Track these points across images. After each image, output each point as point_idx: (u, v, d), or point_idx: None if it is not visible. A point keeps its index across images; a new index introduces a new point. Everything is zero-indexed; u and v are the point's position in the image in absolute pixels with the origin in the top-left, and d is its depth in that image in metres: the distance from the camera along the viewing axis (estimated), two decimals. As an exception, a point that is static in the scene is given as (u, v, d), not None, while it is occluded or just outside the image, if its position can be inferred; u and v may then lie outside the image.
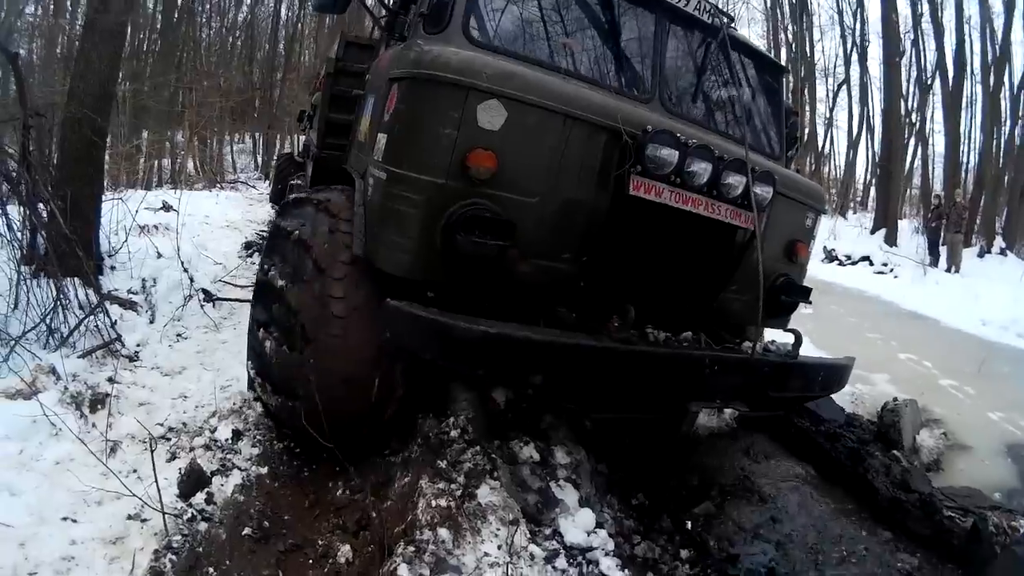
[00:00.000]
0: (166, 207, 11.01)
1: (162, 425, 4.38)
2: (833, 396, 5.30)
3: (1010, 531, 3.80)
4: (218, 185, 22.06)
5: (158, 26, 26.43)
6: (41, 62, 22.20)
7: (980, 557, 3.79)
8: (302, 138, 14.43)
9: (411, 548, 3.00)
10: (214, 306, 7.09)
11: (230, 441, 4.14)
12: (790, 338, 4.44)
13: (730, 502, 4.12)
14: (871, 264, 20.31)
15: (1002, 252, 21.47)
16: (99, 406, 4.36)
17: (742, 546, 3.80)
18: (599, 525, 3.71)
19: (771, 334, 5.17)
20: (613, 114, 3.61)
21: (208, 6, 31.19)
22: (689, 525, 4.03)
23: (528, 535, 3.32)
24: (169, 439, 4.23)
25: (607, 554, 3.53)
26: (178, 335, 6.20)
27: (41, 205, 5.64)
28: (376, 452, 4.17)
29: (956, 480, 5.28)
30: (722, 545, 3.83)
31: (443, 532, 3.09)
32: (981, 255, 20.78)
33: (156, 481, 3.33)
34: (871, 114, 32.99)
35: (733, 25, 4.68)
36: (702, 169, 3.59)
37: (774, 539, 3.81)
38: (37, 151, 5.67)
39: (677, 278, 4.11)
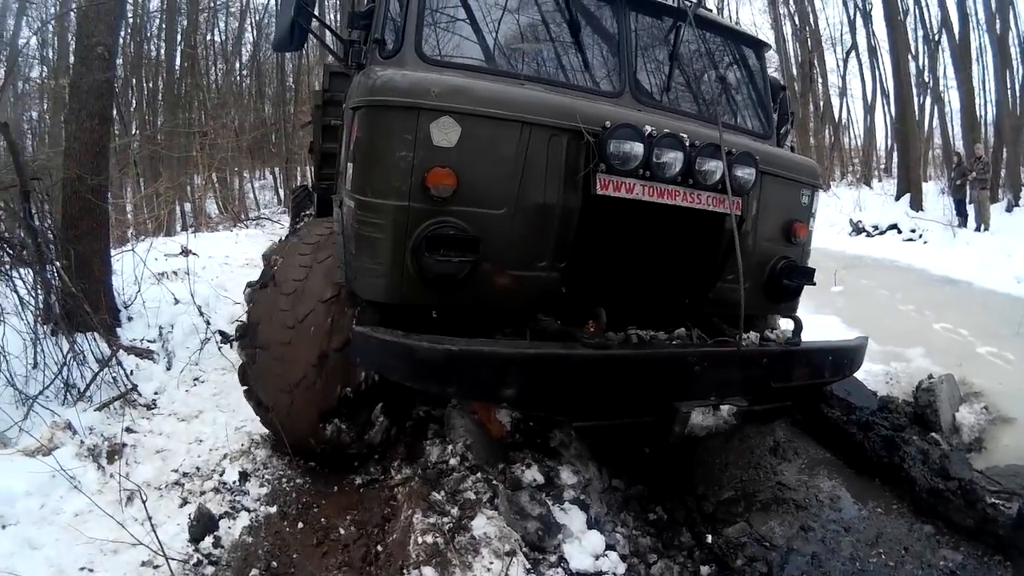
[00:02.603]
0: (184, 252, 11.10)
1: (176, 471, 4.40)
2: (866, 379, 5.14)
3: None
4: (240, 223, 22.25)
5: (162, 75, 26.89)
6: (51, 122, 22.71)
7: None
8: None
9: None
10: (231, 347, 7.06)
11: (238, 483, 4.20)
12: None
13: (758, 512, 3.97)
14: (899, 232, 19.75)
15: (1029, 203, 20.69)
16: (116, 456, 4.40)
17: (770, 562, 3.65)
18: (610, 547, 3.64)
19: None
20: (571, 114, 3.55)
21: (212, 51, 31.60)
22: (711, 539, 3.89)
23: (528, 565, 3.24)
24: (182, 484, 4.26)
25: (618, 578, 3.43)
26: (195, 379, 6.26)
27: (48, 266, 5.73)
28: (373, 479, 4.29)
29: (1001, 458, 5.00)
30: (747, 563, 3.68)
31: (428, 571, 3.04)
32: (1009, 209, 19.89)
33: (153, 529, 3.37)
34: (883, 78, 32.35)
35: (703, 5, 4.60)
36: (672, 159, 3.55)
37: (808, 551, 3.65)
38: (39, 213, 5.74)
39: (664, 273, 4.07)
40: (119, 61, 22.46)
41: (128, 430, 4.78)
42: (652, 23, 4.38)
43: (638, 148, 3.47)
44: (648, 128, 3.52)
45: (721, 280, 4.21)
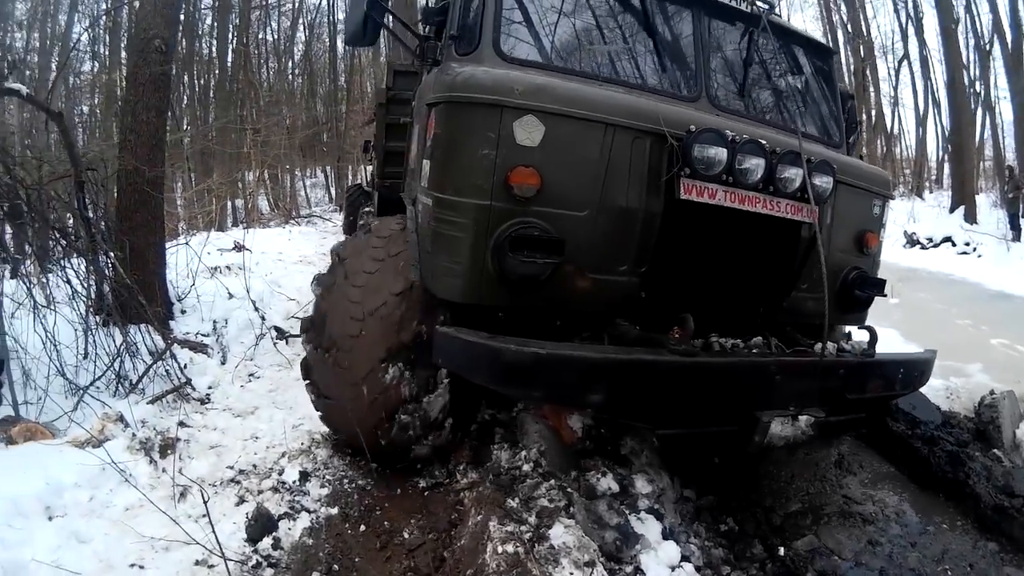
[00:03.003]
0: (237, 247, 11.09)
1: (232, 468, 4.24)
2: (928, 393, 4.99)
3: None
4: (292, 221, 22.36)
5: (214, 72, 27.23)
6: (103, 116, 23.11)
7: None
8: (369, 168, 14.60)
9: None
10: (287, 343, 6.99)
11: (298, 483, 4.02)
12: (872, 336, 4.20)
13: (826, 525, 3.81)
14: (953, 245, 19.67)
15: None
16: (169, 451, 4.27)
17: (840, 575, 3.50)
18: (685, 559, 3.44)
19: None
20: (654, 117, 3.47)
21: (264, 48, 31.97)
22: (782, 552, 3.74)
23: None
24: (239, 482, 4.09)
25: (693, 590, 3.26)
26: (250, 375, 6.12)
27: (102, 256, 5.64)
28: (438, 483, 4.13)
29: (1062, 477, 4.86)
30: None
31: (511, 581, 2.86)
32: (1063, 221, 19.48)
33: (212, 526, 3.21)
34: (935, 88, 31.82)
35: (775, 11, 4.59)
36: (754, 165, 3.44)
37: (876, 565, 3.48)
38: (93, 204, 5.67)
39: (742, 281, 3.99)
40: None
41: (182, 424, 4.65)
42: (725, 28, 4.34)
43: (722, 153, 3.36)
44: (731, 133, 3.42)
45: (795, 289, 4.13)
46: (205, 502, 3.39)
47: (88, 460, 3.77)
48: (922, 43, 30.70)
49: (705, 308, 3.50)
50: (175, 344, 5.84)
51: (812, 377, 3.69)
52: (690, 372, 3.35)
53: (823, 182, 3.69)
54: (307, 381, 4.32)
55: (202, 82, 27.83)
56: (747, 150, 3.41)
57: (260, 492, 3.92)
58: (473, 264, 3.35)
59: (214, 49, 27.51)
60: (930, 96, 32.03)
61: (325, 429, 4.55)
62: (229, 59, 26.81)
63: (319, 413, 4.34)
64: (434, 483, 4.15)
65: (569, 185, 3.39)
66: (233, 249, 11.06)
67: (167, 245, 7.28)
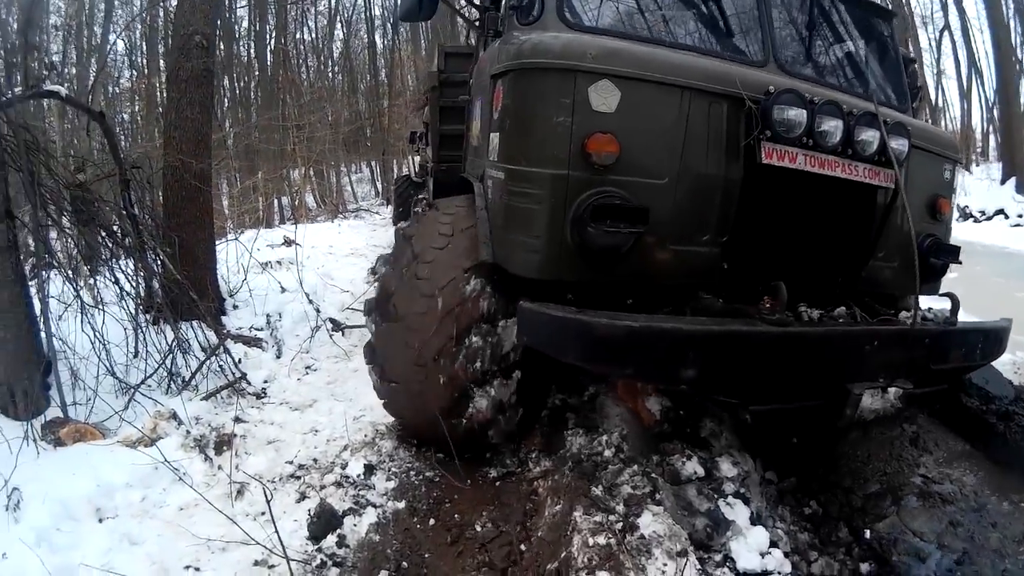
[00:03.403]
0: (287, 242, 11.01)
1: (291, 463, 4.05)
2: (995, 367, 4.72)
3: None
4: (340, 215, 22.42)
5: (254, 73, 27.41)
6: (143, 121, 23.36)
7: None
8: (416, 159, 14.62)
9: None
10: (343, 334, 6.85)
11: (363, 476, 3.81)
12: (946, 304, 4.05)
13: (905, 507, 3.60)
14: (1006, 217, 19.31)
15: None
16: (225, 447, 4.13)
17: (924, 558, 3.30)
18: (773, 544, 3.23)
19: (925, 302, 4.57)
20: (731, 80, 3.32)
21: (303, 47, 32.14)
22: (868, 534, 3.53)
23: (698, 565, 2.79)
24: (299, 477, 3.90)
25: (784, 577, 3.04)
26: (307, 368, 5.94)
27: (150, 254, 5.52)
28: (509, 472, 3.94)
29: None
30: (903, 559, 3.32)
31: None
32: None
33: (274, 524, 3.05)
34: (976, 57, 30.49)
35: None
36: (832, 127, 3.30)
37: (958, 547, 3.27)
38: (139, 202, 5.57)
39: (822, 251, 3.82)
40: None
41: (238, 419, 4.51)
42: None
43: (802, 115, 3.22)
44: (808, 95, 3.29)
45: (873, 258, 3.95)
46: (268, 500, 3.22)
47: (140, 460, 3.67)
48: (961, 11, 29.49)
49: (785, 278, 3.28)
50: (228, 339, 5.71)
51: (901, 347, 3.51)
52: (786, 343, 3.17)
53: (899, 144, 3.54)
54: (370, 365, 4.16)
55: (242, 84, 28.06)
56: (825, 111, 3.27)
57: (323, 487, 3.72)
58: (551, 238, 3.19)
59: (252, 51, 27.73)
60: (973, 68, 30.87)
61: (388, 419, 4.36)
62: (269, 60, 26.97)
63: (383, 400, 4.17)
64: (505, 472, 3.95)
65: (648, 152, 3.22)
66: (283, 244, 10.98)
67: (216, 243, 7.16)
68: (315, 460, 4.08)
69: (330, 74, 34.03)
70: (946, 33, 31.80)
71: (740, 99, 3.25)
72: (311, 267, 8.99)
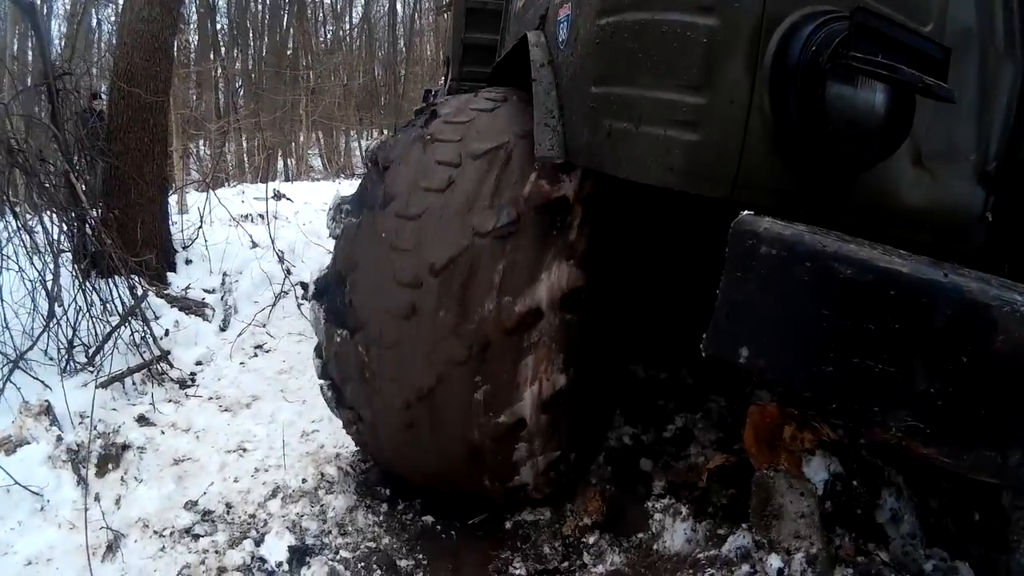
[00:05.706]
0: (277, 196, 9.79)
1: (195, 504, 2.70)
2: None
3: None
4: (343, 176, 21.25)
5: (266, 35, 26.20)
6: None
7: None
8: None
9: None
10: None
11: (286, 568, 2.30)
12: None
13: None
14: None
15: None
16: (111, 465, 2.86)
17: None
18: None
19: None
20: None
21: (321, 11, 31.02)
22: None
23: None
24: (196, 536, 2.52)
25: None
26: (257, 348, 4.62)
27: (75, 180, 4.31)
28: (550, 571, 2.33)
29: None
30: None
31: None
32: None
33: None
34: None
35: None
36: None
37: None
38: (70, 121, 4.53)
39: None
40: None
41: (142, 419, 3.27)
42: None
43: None
44: None
45: None
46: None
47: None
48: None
49: None
50: (164, 301, 4.45)
51: None
52: None
53: None
54: (323, 381, 2.65)
55: (256, 44, 26.80)
56: None
57: (222, 572, 2.31)
58: (731, 98, 1.54)
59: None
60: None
61: (353, 448, 2.94)
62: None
63: (346, 432, 2.71)
64: (541, 570, 2.33)
65: None
66: (273, 198, 9.74)
67: (193, 193, 5.99)
68: (228, 506, 2.70)
69: (348, 38, 32.92)
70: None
71: None
72: (297, 222, 7.75)
